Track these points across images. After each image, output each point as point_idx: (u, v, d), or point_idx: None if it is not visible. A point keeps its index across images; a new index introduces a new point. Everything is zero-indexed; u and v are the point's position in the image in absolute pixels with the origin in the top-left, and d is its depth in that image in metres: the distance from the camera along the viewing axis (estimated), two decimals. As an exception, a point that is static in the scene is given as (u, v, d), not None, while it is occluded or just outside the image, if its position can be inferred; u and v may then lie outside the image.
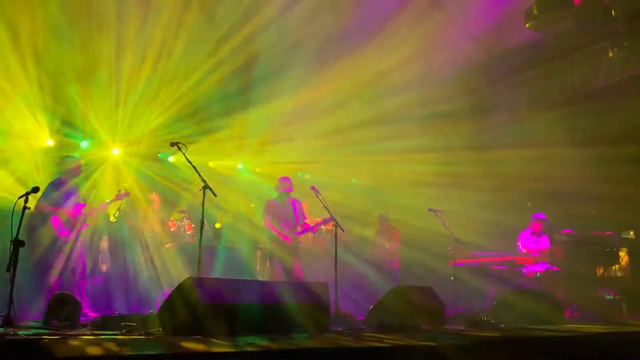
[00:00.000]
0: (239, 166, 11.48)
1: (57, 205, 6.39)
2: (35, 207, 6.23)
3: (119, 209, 7.78)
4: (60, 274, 6.30)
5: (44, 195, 6.36)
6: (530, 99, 9.92)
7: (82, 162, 7.04)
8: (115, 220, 8.11)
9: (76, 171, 6.73)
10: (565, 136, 9.20)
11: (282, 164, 11.02)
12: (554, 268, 7.95)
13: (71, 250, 6.42)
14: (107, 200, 7.33)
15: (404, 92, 9.68)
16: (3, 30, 7.25)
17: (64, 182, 6.59)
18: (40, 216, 6.31)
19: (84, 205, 6.68)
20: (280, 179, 7.58)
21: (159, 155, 10.32)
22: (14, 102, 8.12)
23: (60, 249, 6.31)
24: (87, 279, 6.63)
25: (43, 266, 6.27)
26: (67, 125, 8.85)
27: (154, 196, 8.81)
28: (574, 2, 6.31)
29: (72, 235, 6.43)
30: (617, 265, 8.19)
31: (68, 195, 6.52)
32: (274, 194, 7.61)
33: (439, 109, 10.57)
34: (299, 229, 7.38)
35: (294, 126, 9.95)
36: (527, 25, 6.63)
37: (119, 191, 7.35)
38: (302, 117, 9.82)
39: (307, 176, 11.76)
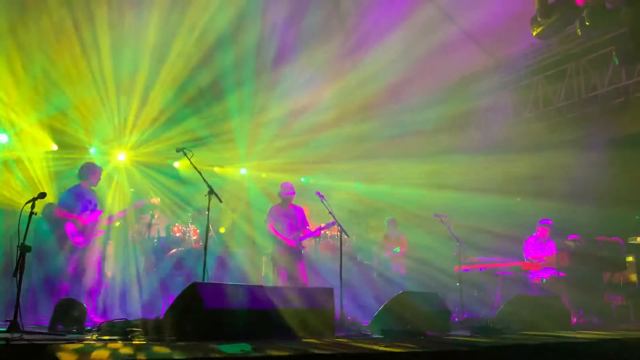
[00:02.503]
0: (243, 171, 11.50)
1: (73, 211, 6.45)
2: (52, 212, 6.40)
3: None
4: (72, 280, 6.35)
5: (62, 201, 6.47)
6: (535, 103, 9.90)
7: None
8: (120, 225, 8.16)
9: (95, 178, 6.78)
10: (571, 140, 9.19)
11: (288, 169, 11.05)
12: (560, 274, 7.91)
13: (85, 257, 6.46)
14: (126, 207, 7.44)
15: (406, 95, 9.70)
16: (8, 38, 7.33)
17: (83, 188, 6.66)
18: (56, 222, 6.40)
19: (101, 212, 6.72)
20: (282, 184, 7.62)
21: (166, 160, 10.36)
22: (19, 107, 8.18)
23: (73, 254, 6.36)
24: (100, 286, 6.65)
25: (56, 271, 6.37)
26: (74, 131, 8.90)
27: (157, 201, 8.83)
28: (576, 3, 6.24)
29: (87, 242, 6.47)
30: (624, 271, 8.13)
31: (85, 202, 6.58)
32: (277, 200, 7.64)
33: (444, 113, 10.60)
34: (301, 234, 7.39)
35: (299, 131, 9.98)
36: (534, 34, 6.60)
37: (140, 198, 7.49)
38: (307, 122, 9.85)
39: (311, 181, 11.78)
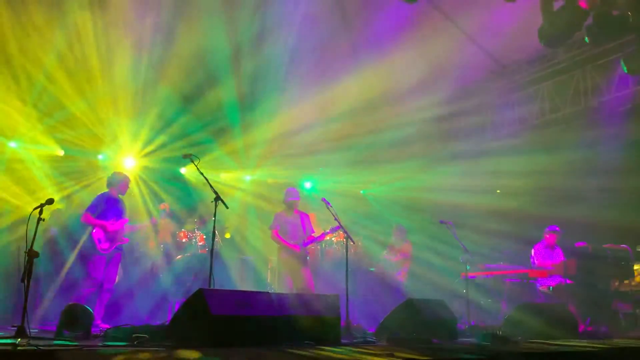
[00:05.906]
0: (247, 178, 11.51)
1: (101, 218, 6.56)
2: (82, 217, 6.56)
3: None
4: (95, 286, 6.44)
5: (91, 207, 6.59)
6: (542, 110, 9.87)
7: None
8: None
9: (123, 187, 6.91)
10: (577, 147, 9.15)
11: (293, 176, 11.07)
12: (568, 281, 7.86)
13: (107, 263, 6.52)
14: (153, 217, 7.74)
15: (412, 102, 9.70)
16: (15, 48, 7.44)
17: (111, 196, 6.77)
18: (83, 227, 6.58)
19: (126, 220, 6.83)
20: (286, 190, 7.63)
21: (172, 167, 10.40)
22: (26, 113, 8.25)
23: (98, 260, 6.42)
24: (111, 292, 6.69)
25: (80, 277, 6.55)
26: (82, 137, 8.98)
27: (165, 206, 8.86)
28: (580, 5, 6.21)
29: (112, 249, 6.55)
30: (632, 279, 8.06)
31: (113, 209, 6.69)
32: (282, 206, 7.64)
33: (449, 119, 10.58)
34: (306, 239, 7.39)
35: (303, 137, 9.99)
36: (542, 43, 6.57)
37: (166, 209, 7.93)
38: (312, 127, 9.86)
39: (317, 187, 11.77)
